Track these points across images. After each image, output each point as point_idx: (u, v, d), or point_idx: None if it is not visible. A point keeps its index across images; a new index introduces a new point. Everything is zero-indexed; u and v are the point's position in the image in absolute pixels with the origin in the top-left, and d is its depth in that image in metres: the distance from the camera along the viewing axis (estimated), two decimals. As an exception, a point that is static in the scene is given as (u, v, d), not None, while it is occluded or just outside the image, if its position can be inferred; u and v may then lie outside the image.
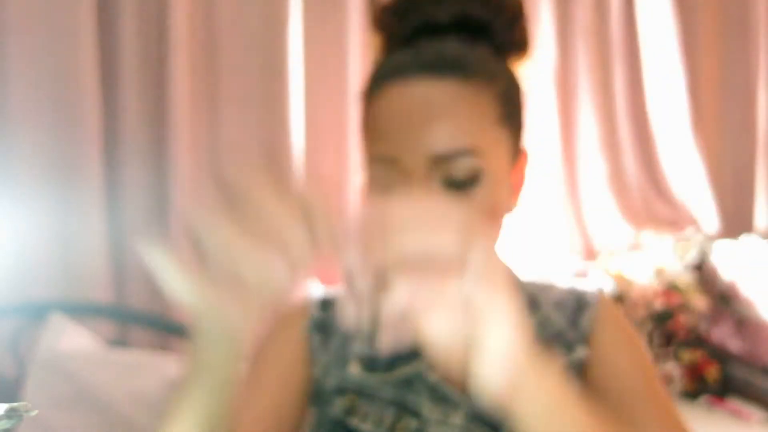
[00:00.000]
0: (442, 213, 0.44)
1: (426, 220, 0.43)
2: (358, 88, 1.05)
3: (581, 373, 0.68)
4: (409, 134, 0.62)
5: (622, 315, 0.73)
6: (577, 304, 0.72)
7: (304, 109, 1.57)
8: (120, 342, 1.37)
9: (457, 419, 0.67)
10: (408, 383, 0.69)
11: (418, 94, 0.63)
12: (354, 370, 0.71)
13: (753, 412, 1.52)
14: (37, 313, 1.20)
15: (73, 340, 1.16)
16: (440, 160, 0.61)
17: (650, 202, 2.00)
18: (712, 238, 1.92)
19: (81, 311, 1.26)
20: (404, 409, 0.68)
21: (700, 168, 1.97)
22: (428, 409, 0.67)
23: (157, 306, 1.45)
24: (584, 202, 1.96)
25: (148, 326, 1.38)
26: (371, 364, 0.70)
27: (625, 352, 0.70)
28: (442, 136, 0.62)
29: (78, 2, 1.37)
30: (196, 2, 1.50)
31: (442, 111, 0.62)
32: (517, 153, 0.68)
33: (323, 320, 0.75)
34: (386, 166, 0.63)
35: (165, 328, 1.37)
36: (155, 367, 1.16)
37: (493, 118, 0.64)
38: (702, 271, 1.85)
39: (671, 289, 1.75)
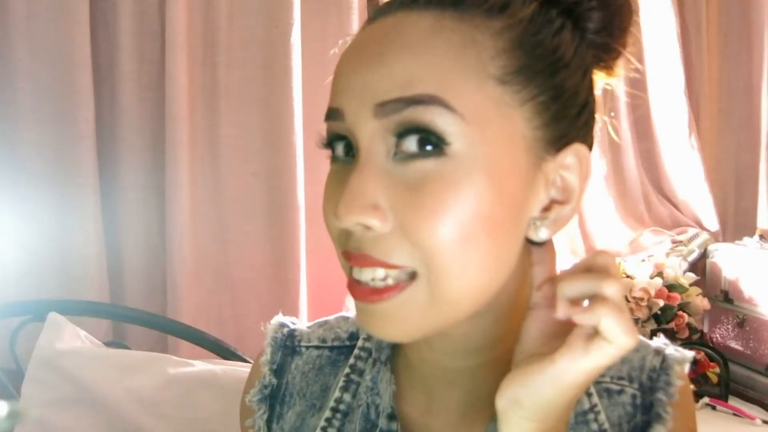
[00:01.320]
0: None
1: None
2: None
3: None
4: (357, 73, 0.45)
5: (695, 422, 0.57)
6: (642, 409, 0.53)
7: (303, 107, 1.56)
8: (117, 342, 1.36)
9: None
10: None
11: (380, 29, 0.45)
12: None
13: (756, 412, 1.51)
14: (34, 313, 1.19)
15: (71, 340, 1.15)
16: (388, 113, 0.42)
17: (650, 202, 2.00)
18: (712, 238, 1.92)
19: (79, 311, 1.25)
20: None
21: (700, 168, 1.96)
22: None
23: (153, 306, 1.44)
24: (584, 203, 1.95)
25: (145, 326, 1.37)
26: None
27: None
28: (396, 76, 0.42)
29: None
30: (195, -2, 1.49)
31: (405, 43, 0.43)
32: (559, 138, 0.47)
33: (275, 388, 0.60)
34: (334, 126, 0.48)
35: (162, 328, 1.36)
36: (153, 367, 1.15)
37: (497, 69, 0.43)
38: (702, 271, 1.84)
39: (671, 289, 1.74)
